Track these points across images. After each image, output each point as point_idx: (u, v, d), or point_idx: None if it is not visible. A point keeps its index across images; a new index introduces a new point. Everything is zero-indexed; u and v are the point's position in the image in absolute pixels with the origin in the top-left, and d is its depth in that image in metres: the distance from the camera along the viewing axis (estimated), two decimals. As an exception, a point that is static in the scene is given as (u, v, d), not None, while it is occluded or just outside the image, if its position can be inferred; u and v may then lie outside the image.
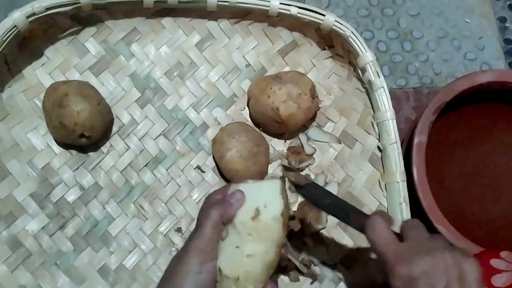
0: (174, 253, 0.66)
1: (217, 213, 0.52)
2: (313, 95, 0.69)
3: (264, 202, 0.52)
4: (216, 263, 0.50)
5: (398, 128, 0.70)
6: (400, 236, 0.52)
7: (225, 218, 0.52)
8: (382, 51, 0.86)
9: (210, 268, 0.50)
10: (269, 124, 0.71)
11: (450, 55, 0.87)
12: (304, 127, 0.74)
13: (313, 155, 0.73)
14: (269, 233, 0.51)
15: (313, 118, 0.74)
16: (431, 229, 0.66)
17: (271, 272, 0.52)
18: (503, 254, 0.60)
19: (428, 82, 0.85)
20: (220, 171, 0.70)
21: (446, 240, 0.51)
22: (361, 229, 0.55)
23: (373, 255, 0.69)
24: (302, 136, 0.73)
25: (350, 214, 0.58)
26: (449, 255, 0.48)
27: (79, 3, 0.67)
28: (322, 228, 0.70)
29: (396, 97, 0.83)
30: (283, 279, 0.68)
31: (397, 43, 0.87)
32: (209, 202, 0.55)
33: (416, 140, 0.68)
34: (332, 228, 0.70)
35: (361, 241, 0.70)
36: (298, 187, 0.59)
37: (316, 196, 0.59)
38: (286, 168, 0.72)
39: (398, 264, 0.49)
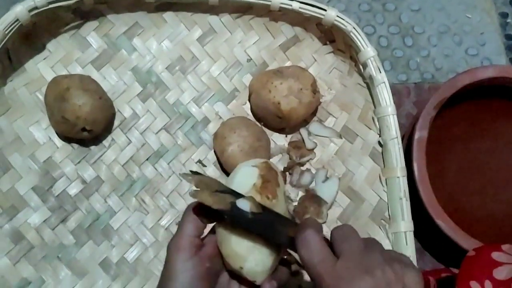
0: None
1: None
2: (314, 90, 0.69)
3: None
4: (198, 259, 0.48)
5: (399, 123, 0.70)
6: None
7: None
8: (383, 46, 0.86)
9: (193, 265, 0.47)
10: (270, 118, 0.71)
11: (451, 50, 0.87)
12: (305, 122, 0.74)
13: (314, 150, 0.73)
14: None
15: (314, 113, 0.75)
16: (431, 225, 0.66)
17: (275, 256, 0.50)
18: (504, 247, 0.60)
19: (429, 77, 0.85)
20: (221, 165, 0.70)
21: (380, 246, 0.47)
22: (290, 243, 0.48)
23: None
24: (303, 131, 0.74)
25: (274, 225, 0.49)
26: (389, 270, 0.44)
27: (81, -4, 0.67)
28: (323, 223, 0.70)
29: (397, 92, 0.83)
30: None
31: (399, 38, 0.87)
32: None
33: (416, 136, 0.68)
34: (333, 222, 0.71)
35: (361, 235, 0.70)
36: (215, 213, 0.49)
37: (233, 215, 0.48)
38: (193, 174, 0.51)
39: (336, 287, 0.43)
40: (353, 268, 0.44)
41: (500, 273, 0.57)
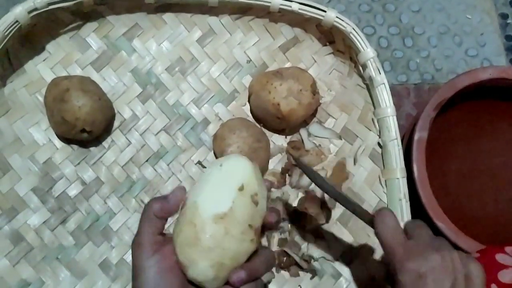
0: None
1: (154, 206, 0.48)
2: (314, 91, 0.69)
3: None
4: (161, 255, 0.47)
5: (398, 124, 0.70)
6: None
7: (164, 211, 0.48)
8: (383, 47, 0.86)
9: (156, 261, 0.47)
10: (269, 119, 0.71)
11: (451, 51, 0.87)
12: (305, 123, 0.74)
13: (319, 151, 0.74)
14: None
15: (314, 114, 0.75)
16: (431, 226, 0.66)
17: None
18: (508, 249, 0.60)
19: (429, 78, 0.85)
20: (221, 166, 0.70)
21: (449, 243, 0.52)
22: (369, 221, 0.56)
23: (376, 252, 0.70)
24: (302, 132, 0.74)
25: (355, 207, 0.58)
26: (456, 255, 0.49)
27: (81, -2, 0.67)
28: (322, 224, 0.70)
29: (397, 93, 0.83)
30: (283, 274, 0.68)
31: (399, 39, 0.87)
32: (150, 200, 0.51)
33: (416, 136, 0.68)
34: (332, 223, 0.71)
35: (361, 237, 0.70)
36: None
37: (324, 186, 0.61)
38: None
39: (406, 260, 0.49)
40: (424, 246, 0.50)
41: (505, 276, 0.57)
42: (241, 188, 0.46)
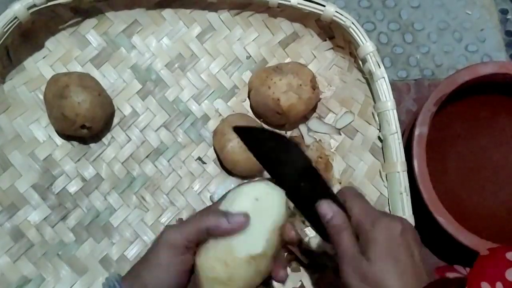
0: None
1: (208, 222, 0.47)
2: (314, 86, 0.69)
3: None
4: (186, 259, 0.48)
5: (399, 120, 0.70)
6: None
7: (213, 232, 0.47)
8: (383, 43, 0.86)
9: (181, 261, 0.48)
10: (270, 115, 0.71)
11: (451, 47, 0.87)
12: (305, 118, 0.74)
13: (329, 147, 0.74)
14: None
15: (314, 109, 0.75)
16: (432, 221, 0.66)
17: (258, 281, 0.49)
18: None
19: (429, 74, 0.85)
20: (221, 162, 0.70)
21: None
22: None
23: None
24: (302, 127, 0.74)
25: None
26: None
27: (80, -6, 0.68)
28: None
29: (397, 89, 0.82)
30: (284, 269, 0.68)
31: (399, 34, 0.87)
32: (210, 209, 0.52)
33: (417, 132, 0.68)
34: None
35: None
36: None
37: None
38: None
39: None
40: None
41: None
42: (275, 228, 0.47)
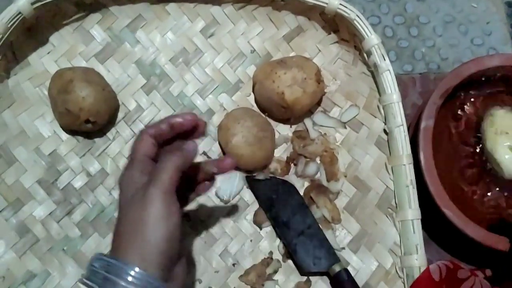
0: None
1: (178, 161, 0.49)
2: (319, 80, 0.69)
3: None
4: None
5: (404, 114, 0.70)
6: None
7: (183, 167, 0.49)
8: (388, 37, 0.85)
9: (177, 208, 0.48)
10: (274, 109, 0.71)
11: (457, 40, 0.87)
12: (310, 112, 0.74)
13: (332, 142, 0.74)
14: None
15: (318, 103, 0.74)
16: (439, 214, 0.66)
17: None
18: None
19: (435, 67, 0.85)
20: (226, 156, 0.70)
21: None
22: None
23: (384, 240, 0.70)
24: (307, 121, 0.73)
25: None
26: None
27: (84, -12, 0.68)
28: (330, 213, 0.70)
29: (402, 83, 0.82)
30: (289, 263, 0.68)
31: (404, 28, 0.86)
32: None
33: (422, 125, 0.68)
34: (340, 212, 0.70)
35: (368, 225, 0.70)
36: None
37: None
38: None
39: None
40: None
41: None
42: None
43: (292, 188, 0.71)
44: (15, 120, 0.69)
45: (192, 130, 0.54)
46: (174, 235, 0.47)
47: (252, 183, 0.70)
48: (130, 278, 0.43)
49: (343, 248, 0.69)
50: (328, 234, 0.69)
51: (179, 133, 0.53)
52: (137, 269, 0.44)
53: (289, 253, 0.68)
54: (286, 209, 0.69)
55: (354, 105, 0.75)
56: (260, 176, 0.70)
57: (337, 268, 0.65)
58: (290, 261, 0.68)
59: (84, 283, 0.46)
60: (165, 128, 0.52)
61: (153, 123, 0.53)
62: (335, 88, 0.75)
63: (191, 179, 0.58)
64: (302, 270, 0.67)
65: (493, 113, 0.72)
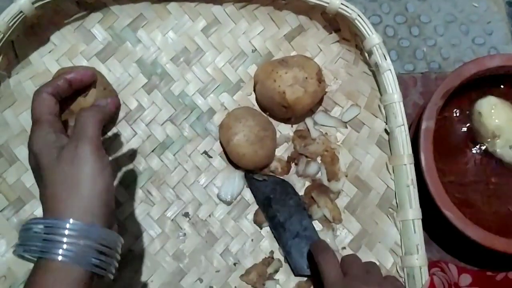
0: (181, 238, 0.67)
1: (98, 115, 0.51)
2: (320, 79, 0.68)
3: None
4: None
5: (405, 114, 0.70)
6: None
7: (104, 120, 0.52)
8: (389, 36, 0.85)
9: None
10: (275, 108, 0.70)
11: (458, 40, 0.87)
12: (311, 112, 0.74)
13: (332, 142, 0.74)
14: None
15: (320, 103, 0.74)
16: (439, 215, 0.66)
17: None
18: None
19: (436, 67, 0.85)
20: (227, 156, 0.70)
21: (378, 269, 0.60)
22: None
23: (384, 240, 0.70)
24: (308, 121, 0.73)
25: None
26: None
27: (85, -12, 0.67)
28: (337, 222, 0.70)
29: (403, 83, 0.82)
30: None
31: (405, 27, 0.86)
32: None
33: (423, 126, 0.68)
34: (341, 212, 0.70)
35: (369, 224, 0.70)
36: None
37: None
38: None
39: None
40: (356, 283, 0.55)
41: None
42: None
43: (290, 188, 0.71)
44: (16, 119, 0.68)
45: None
46: (111, 185, 0.49)
47: (250, 182, 0.70)
48: (74, 233, 0.43)
49: (344, 248, 0.69)
50: (328, 234, 0.69)
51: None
52: (80, 222, 0.44)
53: (284, 255, 0.68)
54: (283, 210, 0.69)
55: (355, 104, 0.75)
56: (258, 176, 0.70)
57: None
58: (291, 261, 0.68)
59: (20, 256, 0.46)
60: (63, 85, 0.54)
61: (49, 81, 0.55)
62: (336, 88, 0.75)
63: None
64: (296, 272, 0.68)
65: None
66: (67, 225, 0.44)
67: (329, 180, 0.71)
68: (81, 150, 0.47)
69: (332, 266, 0.58)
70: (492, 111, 0.72)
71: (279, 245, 0.69)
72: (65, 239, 0.43)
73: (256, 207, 0.70)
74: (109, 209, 0.48)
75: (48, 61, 0.71)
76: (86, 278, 0.44)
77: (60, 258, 0.43)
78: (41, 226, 0.45)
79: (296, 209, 0.70)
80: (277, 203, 0.69)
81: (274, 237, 0.69)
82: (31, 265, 0.62)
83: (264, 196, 0.70)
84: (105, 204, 0.47)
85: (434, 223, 0.70)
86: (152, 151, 0.71)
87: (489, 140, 0.73)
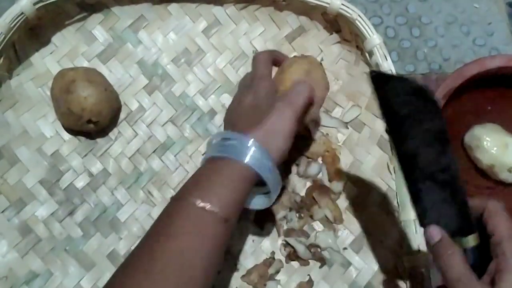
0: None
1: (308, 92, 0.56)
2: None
3: None
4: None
5: (406, 114, 0.70)
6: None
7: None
8: (390, 37, 0.85)
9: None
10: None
11: (459, 40, 0.86)
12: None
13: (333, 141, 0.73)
14: None
15: (320, 104, 0.74)
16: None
17: None
18: None
19: (437, 68, 0.84)
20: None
21: None
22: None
23: (385, 241, 0.70)
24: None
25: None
26: None
27: (86, -11, 0.68)
28: (331, 213, 0.70)
29: (404, 83, 0.82)
30: (292, 264, 0.68)
31: (406, 28, 0.86)
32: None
33: (424, 126, 0.68)
34: (342, 212, 0.70)
35: (370, 225, 0.70)
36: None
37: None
38: None
39: None
40: None
41: None
42: None
43: (435, 106, 0.49)
44: (17, 120, 0.69)
45: None
46: (292, 139, 0.54)
47: (377, 83, 0.50)
48: (258, 150, 0.51)
49: (345, 249, 0.69)
50: (330, 234, 0.69)
51: None
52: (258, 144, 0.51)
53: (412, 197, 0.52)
54: (418, 135, 0.49)
55: (356, 105, 0.75)
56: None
57: (471, 242, 0.49)
58: (292, 262, 0.68)
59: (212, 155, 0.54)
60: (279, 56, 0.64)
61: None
62: (337, 88, 0.75)
63: None
64: (422, 223, 0.52)
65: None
66: (255, 144, 0.51)
67: (330, 180, 0.71)
68: (287, 110, 0.54)
69: (456, 263, 0.47)
70: (483, 142, 0.73)
71: (405, 184, 0.52)
72: (252, 151, 0.51)
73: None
74: (284, 153, 0.54)
75: (49, 62, 0.71)
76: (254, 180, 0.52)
77: (246, 160, 0.51)
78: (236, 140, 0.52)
79: (437, 137, 0.50)
80: (412, 124, 0.49)
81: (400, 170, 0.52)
82: (32, 265, 0.63)
83: (395, 109, 0.50)
84: (284, 148, 0.54)
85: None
86: (153, 152, 0.71)
87: (487, 169, 0.73)
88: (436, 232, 0.49)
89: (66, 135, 0.69)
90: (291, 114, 0.53)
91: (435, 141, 0.49)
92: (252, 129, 0.52)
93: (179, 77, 0.73)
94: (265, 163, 0.51)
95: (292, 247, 0.68)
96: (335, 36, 0.77)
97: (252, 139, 0.51)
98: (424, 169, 0.50)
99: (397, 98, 0.49)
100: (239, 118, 0.57)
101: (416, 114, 0.49)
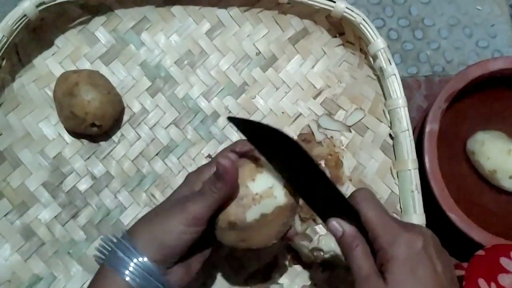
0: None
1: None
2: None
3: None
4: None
5: (409, 117, 0.70)
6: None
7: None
8: (393, 39, 0.85)
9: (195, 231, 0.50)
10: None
11: (461, 42, 0.86)
12: (315, 115, 0.74)
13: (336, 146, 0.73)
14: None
15: (323, 106, 0.74)
16: (444, 218, 0.66)
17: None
18: None
19: (440, 70, 0.84)
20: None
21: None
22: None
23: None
24: (312, 124, 0.73)
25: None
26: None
27: (89, -9, 0.67)
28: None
29: (407, 86, 0.82)
30: (294, 267, 0.68)
31: (409, 31, 0.86)
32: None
33: (427, 128, 0.68)
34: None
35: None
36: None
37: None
38: None
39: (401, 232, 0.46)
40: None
41: (504, 280, 0.57)
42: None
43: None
44: (20, 122, 0.68)
45: None
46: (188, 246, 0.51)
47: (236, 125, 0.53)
48: (133, 265, 0.48)
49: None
50: (333, 238, 0.68)
51: None
52: (145, 259, 0.49)
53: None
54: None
55: (359, 108, 0.75)
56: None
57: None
58: (295, 265, 0.68)
59: (100, 251, 0.53)
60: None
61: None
62: (340, 91, 0.75)
63: None
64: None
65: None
66: (143, 259, 0.49)
67: (333, 184, 0.71)
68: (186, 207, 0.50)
69: (360, 257, 0.47)
70: (484, 147, 0.73)
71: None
72: (133, 266, 0.49)
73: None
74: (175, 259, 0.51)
75: (52, 64, 0.71)
76: None
77: (127, 278, 0.48)
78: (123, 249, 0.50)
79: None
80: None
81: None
82: (35, 269, 0.63)
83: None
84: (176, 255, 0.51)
85: (438, 226, 0.70)
86: (156, 154, 0.70)
87: (488, 174, 0.73)
88: (337, 226, 0.50)
89: (69, 138, 0.69)
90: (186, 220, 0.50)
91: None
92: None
93: (182, 79, 0.73)
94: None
95: (295, 250, 0.68)
96: (339, 39, 0.77)
97: None
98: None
99: (255, 141, 0.52)
100: None
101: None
